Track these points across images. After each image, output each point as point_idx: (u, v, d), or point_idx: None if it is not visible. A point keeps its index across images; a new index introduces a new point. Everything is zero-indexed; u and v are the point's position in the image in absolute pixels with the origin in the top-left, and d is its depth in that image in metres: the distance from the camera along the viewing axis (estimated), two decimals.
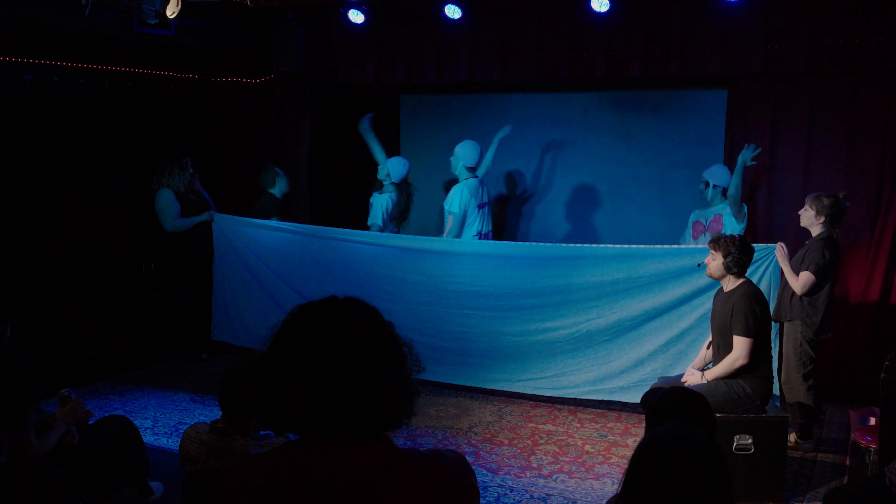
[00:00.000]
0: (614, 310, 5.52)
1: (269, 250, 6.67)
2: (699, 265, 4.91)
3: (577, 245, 5.80)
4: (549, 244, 5.86)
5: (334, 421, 1.52)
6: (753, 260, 5.06)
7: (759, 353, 4.42)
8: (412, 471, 1.53)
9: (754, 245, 5.14)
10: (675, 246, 5.58)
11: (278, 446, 1.60)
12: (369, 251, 6.22)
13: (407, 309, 5.93)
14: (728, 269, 4.50)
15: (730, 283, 4.56)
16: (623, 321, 5.50)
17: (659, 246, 5.51)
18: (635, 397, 5.38)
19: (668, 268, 5.35)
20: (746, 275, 4.71)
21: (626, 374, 5.53)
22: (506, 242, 6.03)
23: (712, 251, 4.57)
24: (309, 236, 6.56)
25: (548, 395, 5.84)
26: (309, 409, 1.52)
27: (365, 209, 7.77)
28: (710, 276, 4.64)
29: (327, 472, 1.51)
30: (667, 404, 2.71)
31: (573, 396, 5.78)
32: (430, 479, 1.54)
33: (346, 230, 6.43)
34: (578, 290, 5.58)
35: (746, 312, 4.36)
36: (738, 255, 4.47)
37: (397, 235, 6.55)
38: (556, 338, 5.68)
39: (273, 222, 6.72)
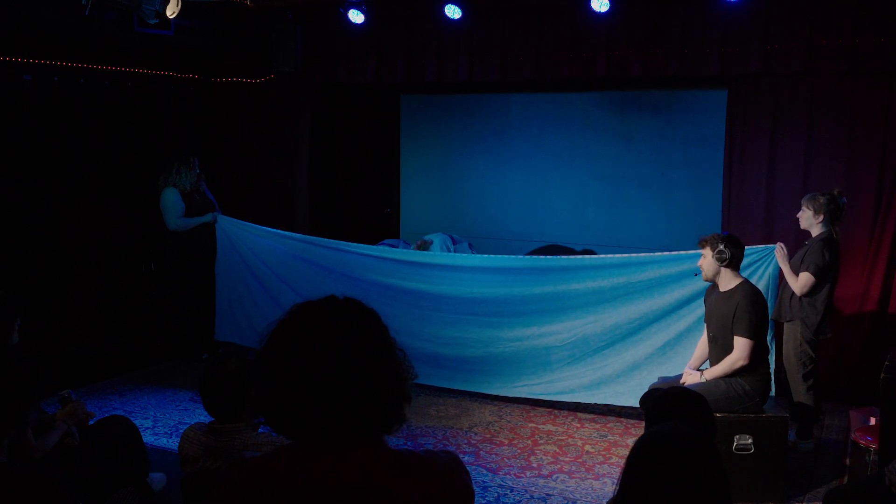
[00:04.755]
0: (612, 314, 5.51)
1: (272, 253, 6.67)
2: (696, 275, 4.91)
3: (577, 257, 5.79)
4: (550, 257, 5.84)
5: (327, 423, 1.51)
6: (753, 261, 5.08)
7: (758, 353, 4.42)
8: (405, 473, 1.52)
9: (755, 246, 5.16)
10: (675, 252, 5.57)
11: (272, 450, 1.59)
12: (370, 261, 6.22)
13: (406, 313, 5.92)
14: (719, 261, 4.50)
15: (727, 282, 4.54)
16: (620, 325, 5.49)
17: (658, 253, 5.51)
18: (631, 401, 5.37)
19: (668, 272, 5.34)
20: (746, 275, 4.71)
21: (622, 377, 5.50)
22: (507, 257, 5.97)
23: (702, 251, 4.59)
24: (311, 244, 6.55)
25: (544, 399, 5.83)
26: (303, 411, 1.51)
27: (364, 208, 7.79)
28: (706, 279, 4.64)
29: (320, 476, 1.50)
30: (665, 404, 2.71)
31: (569, 401, 5.78)
32: (423, 480, 1.53)
33: (348, 243, 6.40)
34: (578, 297, 5.57)
35: (750, 314, 4.36)
36: (725, 246, 4.47)
37: (398, 250, 6.52)
38: (552, 343, 5.66)
39: (276, 230, 6.70)
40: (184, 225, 6.72)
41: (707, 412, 2.72)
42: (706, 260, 4.56)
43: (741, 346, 4.38)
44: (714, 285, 4.66)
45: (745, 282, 4.55)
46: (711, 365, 4.60)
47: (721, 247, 4.48)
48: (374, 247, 6.58)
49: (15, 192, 6.38)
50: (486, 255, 6.18)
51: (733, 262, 4.52)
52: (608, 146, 7.68)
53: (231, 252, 6.87)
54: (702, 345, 4.87)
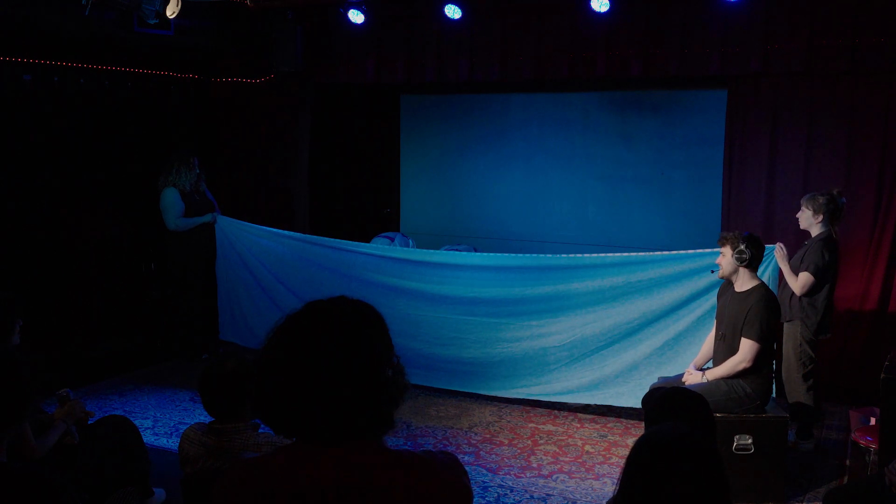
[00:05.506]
0: (610, 314, 5.50)
1: (270, 254, 6.67)
2: (712, 272, 4.91)
3: (578, 255, 5.78)
4: (550, 256, 5.83)
5: (327, 424, 1.52)
6: None
7: (763, 357, 4.42)
8: (405, 473, 1.53)
9: None
10: (676, 252, 5.58)
11: (272, 451, 1.60)
12: (369, 260, 6.21)
13: (403, 315, 5.90)
14: (739, 261, 4.49)
15: (744, 283, 4.53)
16: (619, 325, 5.48)
17: (659, 252, 5.50)
18: (631, 401, 5.37)
19: (668, 272, 5.33)
20: None
21: (621, 378, 5.49)
22: (507, 255, 5.96)
23: (721, 248, 4.58)
24: (309, 243, 6.55)
25: (543, 400, 5.83)
26: (303, 410, 1.52)
27: (363, 209, 7.77)
28: (723, 276, 4.63)
29: (320, 476, 1.51)
30: (665, 404, 2.71)
31: (568, 402, 5.78)
32: (422, 480, 1.53)
33: (348, 241, 6.39)
34: (577, 297, 5.56)
35: (762, 319, 4.35)
36: (746, 246, 4.47)
37: (397, 248, 6.50)
38: (551, 343, 5.65)
39: (275, 230, 6.70)
40: (183, 225, 6.72)
41: (707, 413, 2.72)
42: (725, 258, 4.56)
43: (746, 349, 4.38)
44: (729, 283, 4.65)
45: (762, 285, 4.54)
46: (715, 362, 4.60)
47: (742, 247, 4.47)
48: (373, 245, 6.56)
49: (15, 192, 6.37)
50: (484, 254, 6.17)
51: (752, 263, 4.52)
52: (608, 146, 7.68)
53: (230, 252, 6.87)
54: (708, 342, 4.86)
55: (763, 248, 4.61)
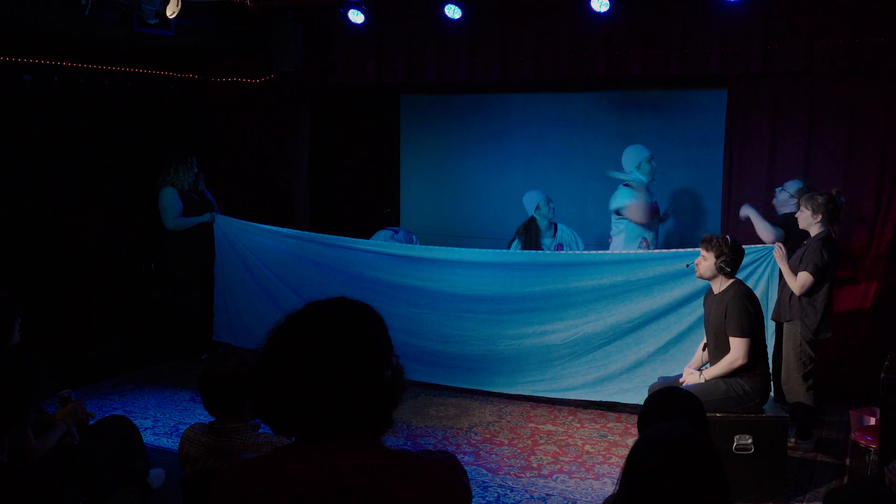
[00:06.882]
0: (612, 312, 5.52)
1: (269, 252, 6.67)
2: (687, 266, 4.92)
3: (576, 252, 5.79)
4: (549, 252, 5.85)
5: (327, 424, 1.52)
6: (752, 261, 5.08)
7: (756, 353, 4.42)
8: (404, 473, 1.53)
9: (753, 246, 5.16)
10: (675, 250, 5.59)
11: (272, 451, 1.60)
12: (369, 257, 6.21)
13: (405, 312, 5.92)
14: (720, 270, 4.49)
15: (720, 284, 4.54)
16: (621, 324, 5.50)
17: (659, 251, 5.51)
18: (634, 399, 5.39)
19: (667, 270, 5.35)
20: (745, 275, 4.71)
21: (624, 375, 5.52)
22: (508, 251, 6.00)
23: (703, 251, 4.56)
24: (309, 241, 6.54)
25: (546, 396, 5.84)
26: (303, 410, 1.52)
27: (363, 209, 7.71)
28: (701, 277, 4.63)
29: (320, 476, 1.51)
30: (658, 404, 2.70)
31: (573, 398, 5.79)
32: (421, 480, 1.54)
33: (347, 238, 6.39)
34: (577, 294, 5.58)
35: (740, 313, 4.36)
36: (731, 255, 4.46)
37: (397, 245, 6.49)
38: (553, 341, 5.68)
39: (274, 227, 6.70)
40: (181, 224, 6.72)
41: (700, 411, 2.70)
42: (706, 262, 4.54)
43: (737, 346, 4.38)
44: (710, 287, 4.66)
45: (737, 281, 4.55)
46: (711, 367, 4.60)
47: (727, 257, 4.45)
48: (373, 242, 6.56)
49: (15, 192, 6.38)
50: (485, 250, 6.18)
51: (733, 273, 4.53)
52: (608, 146, 7.67)
53: (229, 252, 6.87)
54: (700, 348, 4.87)
55: (743, 254, 4.60)
